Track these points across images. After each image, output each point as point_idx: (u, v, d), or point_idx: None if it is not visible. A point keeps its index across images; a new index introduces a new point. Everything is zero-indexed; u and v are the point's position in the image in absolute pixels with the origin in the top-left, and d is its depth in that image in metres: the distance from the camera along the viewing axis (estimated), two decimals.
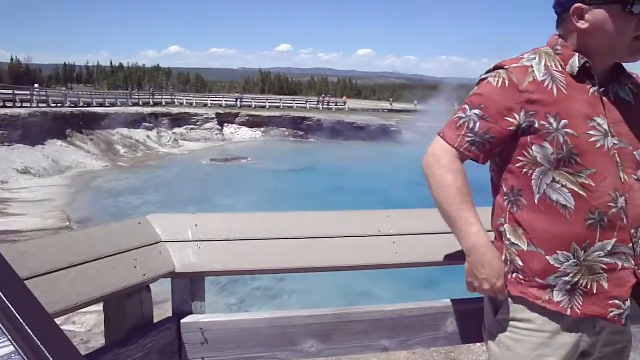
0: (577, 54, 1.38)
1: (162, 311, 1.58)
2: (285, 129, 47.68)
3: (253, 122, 47.19)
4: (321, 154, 38.61)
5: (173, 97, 52.20)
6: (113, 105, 42.45)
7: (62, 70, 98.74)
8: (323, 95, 61.40)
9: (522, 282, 1.40)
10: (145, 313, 1.43)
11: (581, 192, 1.33)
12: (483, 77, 1.43)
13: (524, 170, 1.39)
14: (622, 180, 1.35)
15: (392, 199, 24.23)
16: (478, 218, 1.43)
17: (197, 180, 28.33)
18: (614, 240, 1.34)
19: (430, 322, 1.68)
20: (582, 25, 1.35)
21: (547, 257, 1.36)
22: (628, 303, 1.37)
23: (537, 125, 1.35)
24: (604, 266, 1.35)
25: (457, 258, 1.61)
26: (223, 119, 46.32)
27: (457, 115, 1.42)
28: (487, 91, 1.39)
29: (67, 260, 1.24)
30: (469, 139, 1.40)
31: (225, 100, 51.68)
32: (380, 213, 1.71)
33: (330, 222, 1.64)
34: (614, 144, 1.35)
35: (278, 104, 52.73)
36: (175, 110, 45.48)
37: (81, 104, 38.67)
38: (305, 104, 55.28)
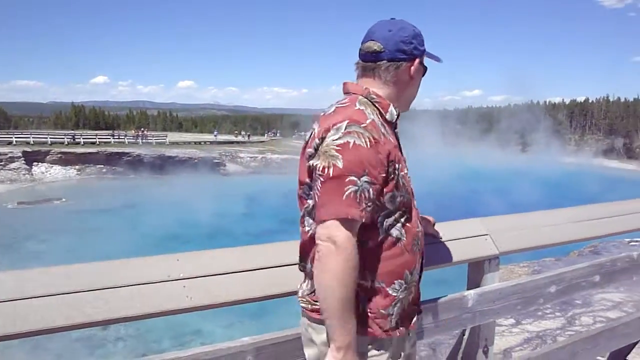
0: (391, 103, 1.52)
1: None
2: (102, 166, 45.53)
3: (66, 160, 44.29)
4: (142, 191, 37.74)
5: None
6: None
7: None
8: (142, 130, 59.80)
9: (369, 315, 1.47)
10: None
11: (408, 224, 1.50)
12: (345, 140, 1.36)
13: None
14: (416, 207, 1.57)
15: (220, 232, 25.01)
16: None
17: (1, 226, 26.08)
18: (420, 258, 1.56)
19: None
20: (412, 76, 1.54)
21: (388, 289, 1.47)
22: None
23: (391, 174, 1.44)
24: (414, 283, 1.55)
25: (251, 296, 1.66)
26: (31, 158, 42.78)
27: (350, 190, 1.34)
28: (363, 155, 1.35)
29: None
30: (370, 208, 1.38)
31: (34, 137, 47.64)
32: (169, 257, 1.65)
33: (114, 272, 1.54)
34: (409, 177, 1.54)
35: (94, 140, 50.20)
36: None
37: None
38: (124, 138, 53.39)
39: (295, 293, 1.71)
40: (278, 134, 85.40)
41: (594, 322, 5.08)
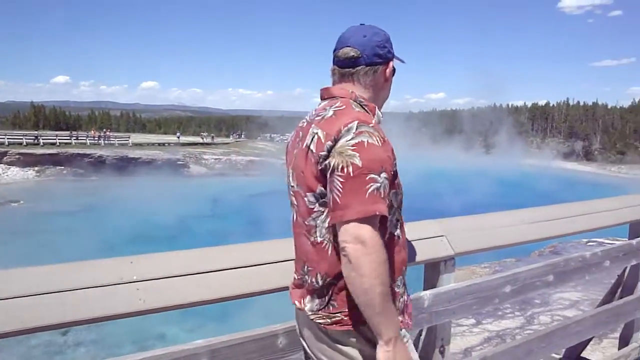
0: (376, 106, 1.54)
1: None
2: (63, 167, 44.52)
3: (25, 161, 43.12)
4: (103, 193, 37.12)
5: None
6: None
7: None
8: (105, 130, 58.54)
9: None
10: None
11: (400, 222, 1.52)
12: (359, 140, 1.35)
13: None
14: None
15: (182, 233, 24.80)
16: None
17: None
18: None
19: None
20: (387, 78, 1.58)
21: (393, 286, 1.48)
22: None
23: (396, 172, 1.46)
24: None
25: (205, 298, 1.66)
26: None
27: (373, 187, 1.32)
28: (378, 153, 1.35)
29: None
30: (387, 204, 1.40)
31: None
32: (122, 260, 1.63)
33: (66, 274, 1.52)
34: None
35: (54, 140, 48.81)
36: None
37: None
38: (85, 139, 52.17)
39: (250, 295, 1.71)
40: (243, 136, 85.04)
41: (552, 320, 5.19)
